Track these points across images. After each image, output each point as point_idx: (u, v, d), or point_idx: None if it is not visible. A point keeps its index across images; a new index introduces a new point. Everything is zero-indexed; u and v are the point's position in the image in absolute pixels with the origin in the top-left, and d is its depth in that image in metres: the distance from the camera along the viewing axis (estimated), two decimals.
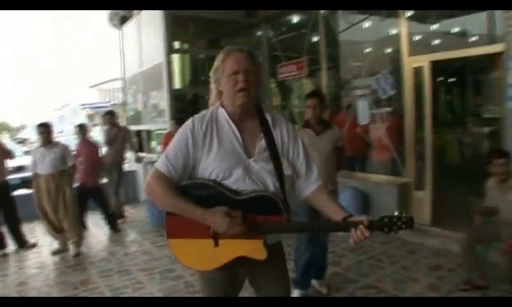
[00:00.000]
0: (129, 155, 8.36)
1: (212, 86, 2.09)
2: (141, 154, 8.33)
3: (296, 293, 4.06)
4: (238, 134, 1.99)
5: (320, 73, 7.89)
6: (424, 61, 5.92)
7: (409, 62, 6.07)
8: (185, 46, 10.13)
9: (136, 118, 9.16)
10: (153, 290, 4.56)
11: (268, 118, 2.07)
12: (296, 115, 9.40)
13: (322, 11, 7.38)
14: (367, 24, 7.63)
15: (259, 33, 8.98)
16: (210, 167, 1.95)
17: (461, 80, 10.05)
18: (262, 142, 2.01)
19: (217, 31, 9.68)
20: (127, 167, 8.34)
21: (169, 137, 6.74)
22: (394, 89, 6.36)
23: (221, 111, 2.03)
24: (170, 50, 7.59)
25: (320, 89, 7.07)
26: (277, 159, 2.01)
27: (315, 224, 2.13)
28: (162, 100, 7.64)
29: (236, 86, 1.94)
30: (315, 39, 8.00)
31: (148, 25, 8.10)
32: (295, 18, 8.36)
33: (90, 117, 28.45)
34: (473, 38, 7.16)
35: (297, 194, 2.17)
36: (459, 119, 10.12)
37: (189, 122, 2.02)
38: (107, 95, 51.04)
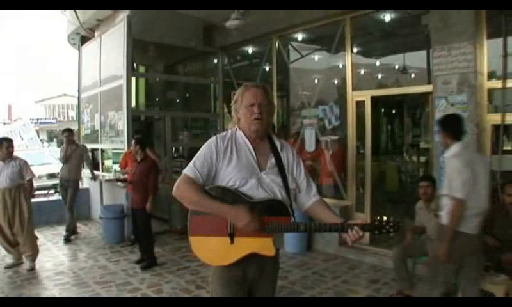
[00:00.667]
0: (85, 172, 8.49)
1: (233, 113, 2.49)
2: (97, 172, 8.46)
3: None
4: (253, 152, 2.40)
5: None
6: (365, 96, 6.56)
7: (353, 96, 6.68)
8: (142, 69, 10.39)
9: (93, 136, 9.29)
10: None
11: (277, 143, 2.50)
12: None
13: (276, 43, 7.92)
14: (316, 56, 8.25)
15: (215, 61, 9.42)
16: (229, 175, 2.34)
17: (401, 112, 10.84)
18: (272, 160, 2.43)
19: (175, 57, 10.04)
20: (81, 184, 8.46)
21: (128, 155, 6.99)
22: (339, 119, 6.95)
23: (240, 133, 2.45)
24: (131, 73, 7.83)
25: None
26: (284, 174, 2.41)
27: (317, 226, 2.35)
28: (120, 120, 7.84)
29: (252, 115, 2.36)
30: (267, 68, 8.52)
31: (110, 47, 8.29)
32: (250, 49, 8.87)
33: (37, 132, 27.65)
34: (412, 75, 7.93)
35: (299, 206, 2.54)
36: (397, 148, 10.86)
37: (213, 139, 2.42)
38: (53, 111, 49.74)
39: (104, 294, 4.98)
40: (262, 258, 2.34)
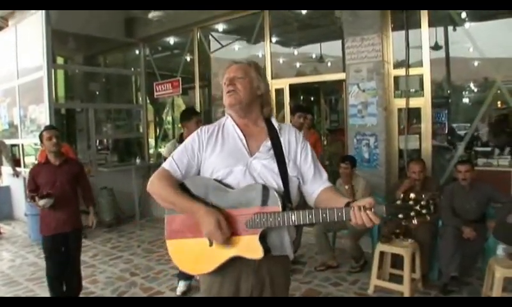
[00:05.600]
0: (5, 169, 8.18)
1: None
2: (18, 169, 8.17)
3: (180, 284, 4.62)
4: (242, 136, 2.05)
5: (193, 91, 8.55)
6: (284, 84, 6.95)
7: (272, 84, 7.00)
8: (61, 60, 10.08)
9: (12, 131, 8.91)
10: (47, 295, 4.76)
11: (276, 125, 2.13)
12: (169, 131, 9.98)
13: (198, 33, 8.08)
14: (237, 46, 8.52)
15: (136, 52, 9.39)
16: (212, 165, 2.00)
17: (318, 99, 11.41)
18: (268, 144, 2.04)
19: (95, 48, 9.84)
20: (1, 182, 8.15)
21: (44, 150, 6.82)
22: None
23: (229, 119, 2.13)
24: (52, 65, 7.62)
25: (194, 107, 7.75)
26: (282, 159, 2.00)
27: (314, 213, 1.81)
28: (41, 113, 7.62)
29: (225, 90, 2.07)
30: (189, 59, 8.66)
31: (27, 37, 7.97)
32: (172, 39, 8.95)
33: None
34: (329, 64, 8.45)
35: (307, 199, 2.12)
36: (318, 133, 11.39)
37: (198, 129, 2.15)
38: None
39: (37, 291, 4.91)
40: (260, 266, 1.96)
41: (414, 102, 5.69)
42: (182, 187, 1.99)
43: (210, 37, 8.50)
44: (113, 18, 8.43)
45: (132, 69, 9.99)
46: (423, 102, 5.62)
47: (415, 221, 1.69)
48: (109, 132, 9.96)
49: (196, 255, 1.97)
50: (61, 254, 4.11)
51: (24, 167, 8.27)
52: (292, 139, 2.10)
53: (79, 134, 9.64)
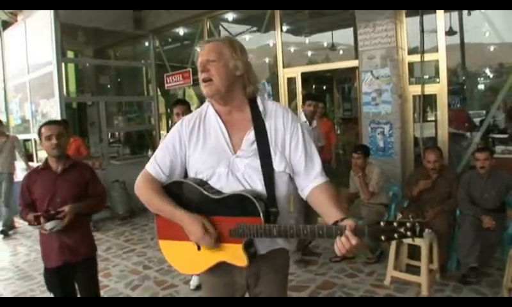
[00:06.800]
0: (19, 164, 8.21)
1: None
2: (31, 163, 8.20)
3: (194, 278, 4.56)
4: (224, 128, 1.87)
5: None
6: (295, 72, 6.84)
7: (284, 73, 6.94)
8: (71, 54, 10.10)
9: (24, 126, 8.96)
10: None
11: (261, 108, 1.89)
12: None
13: (207, 23, 7.99)
14: (247, 36, 8.44)
15: (146, 44, 9.34)
16: (195, 165, 1.88)
17: (331, 87, 11.30)
18: (251, 136, 1.84)
19: (105, 41, 9.83)
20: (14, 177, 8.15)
21: (76, 141, 6.89)
22: (271, 96, 7.22)
23: (210, 107, 1.94)
24: (62, 59, 7.62)
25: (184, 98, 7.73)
26: (266, 153, 1.81)
27: (295, 230, 1.65)
28: (52, 108, 7.64)
29: (201, 78, 1.86)
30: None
31: (36, 32, 7.98)
32: (181, 30, 8.88)
33: None
34: (341, 52, 8.32)
35: (301, 195, 1.92)
36: (331, 122, 11.30)
37: (179, 121, 1.98)
38: None
39: None
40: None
41: (429, 89, 5.56)
42: (168, 190, 1.89)
43: (220, 27, 8.42)
44: (122, 11, 8.36)
45: (142, 61, 9.98)
46: (439, 89, 5.48)
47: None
48: (120, 125, 9.96)
49: (185, 257, 1.92)
50: (69, 287, 3.15)
51: (37, 162, 8.31)
52: (279, 124, 1.87)
53: (90, 128, 9.67)
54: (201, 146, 1.88)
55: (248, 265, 1.78)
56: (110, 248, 6.13)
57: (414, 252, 4.43)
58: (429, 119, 6.04)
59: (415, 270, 4.23)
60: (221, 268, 1.86)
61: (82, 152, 7.00)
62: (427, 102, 5.72)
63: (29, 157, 8.41)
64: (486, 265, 4.37)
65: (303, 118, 5.22)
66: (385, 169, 5.30)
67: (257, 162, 1.80)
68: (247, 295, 2.03)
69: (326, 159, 6.67)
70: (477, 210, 4.33)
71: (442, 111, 5.50)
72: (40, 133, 3.04)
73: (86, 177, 3.14)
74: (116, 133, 10.49)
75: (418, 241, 4.14)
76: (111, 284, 4.82)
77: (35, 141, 8.49)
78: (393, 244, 4.30)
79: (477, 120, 6.44)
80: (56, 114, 7.39)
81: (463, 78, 7.47)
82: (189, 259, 1.90)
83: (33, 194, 3.06)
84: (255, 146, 1.82)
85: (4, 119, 8.74)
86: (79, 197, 3.04)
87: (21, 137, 8.63)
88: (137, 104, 10.42)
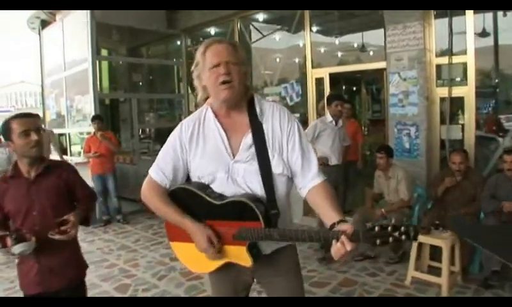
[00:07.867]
0: (53, 157, 8.53)
1: (196, 82, 1.93)
2: (65, 157, 8.51)
3: None
4: (222, 132, 1.87)
5: None
6: (324, 73, 6.89)
7: (313, 74, 7.00)
8: (105, 52, 10.41)
9: (59, 121, 9.32)
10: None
11: (258, 109, 1.89)
12: None
13: (238, 23, 8.12)
14: (277, 36, 8.52)
15: (178, 42, 9.54)
16: (196, 171, 1.91)
17: (360, 89, 11.26)
18: (248, 139, 1.85)
19: (138, 40, 10.09)
20: None
21: (90, 139, 7.14)
22: (300, 96, 7.29)
23: (209, 110, 1.93)
24: (97, 56, 7.87)
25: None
26: (264, 156, 1.82)
27: (294, 234, 1.71)
28: (86, 104, 7.91)
29: (219, 78, 1.78)
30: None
31: (73, 31, 8.28)
32: (213, 30, 9.04)
33: None
34: (371, 53, 8.31)
35: (300, 194, 1.93)
36: (358, 123, 11.27)
37: (178, 125, 1.98)
38: (10, 100, 48.27)
39: None
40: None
41: (457, 91, 5.53)
42: (173, 196, 1.93)
43: (250, 27, 8.54)
44: (155, 11, 8.57)
45: (174, 59, 10.18)
46: (466, 91, 5.44)
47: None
48: (151, 122, 10.21)
49: (195, 258, 1.95)
50: None
51: (71, 155, 8.63)
52: (276, 125, 1.87)
53: (122, 124, 9.95)
54: (200, 152, 1.90)
55: (252, 265, 1.83)
56: (138, 240, 6.33)
57: (436, 253, 4.45)
58: (456, 121, 6.00)
59: (437, 272, 4.25)
60: (228, 265, 1.91)
61: (115, 143, 7.25)
62: (455, 105, 5.68)
63: (63, 151, 8.74)
64: (508, 269, 4.34)
65: (329, 118, 5.29)
66: (410, 171, 5.31)
67: (255, 166, 1.82)
68: (254, 294, 2.07)
69: (353, 160, 6.71)
70: (496, 202, 4.31)
71: (469, 114, 5.46)
72: (8, 130, 2.32)
73: (66, 179, 2.53)
74: (147, 130, 10.74)
75: (439, 242, 4.17)
76: (138, 274, 5.00)
77: (69, 136, 8.81)
78: (415, 244, 4.33)
79: (509, 124, 6.32)
80: (90, 109, 7.66)
81: (496, 81, 7.35)
82: (198, 259, 1.94)
83: (4, 209, 2.42)
84: (252, 149, 1.83)
85: (40, 114, 9.08)
86: (62, 206, 2.43)
87: (56, 131, 8.99)
88: (168, 101, 10.66)
